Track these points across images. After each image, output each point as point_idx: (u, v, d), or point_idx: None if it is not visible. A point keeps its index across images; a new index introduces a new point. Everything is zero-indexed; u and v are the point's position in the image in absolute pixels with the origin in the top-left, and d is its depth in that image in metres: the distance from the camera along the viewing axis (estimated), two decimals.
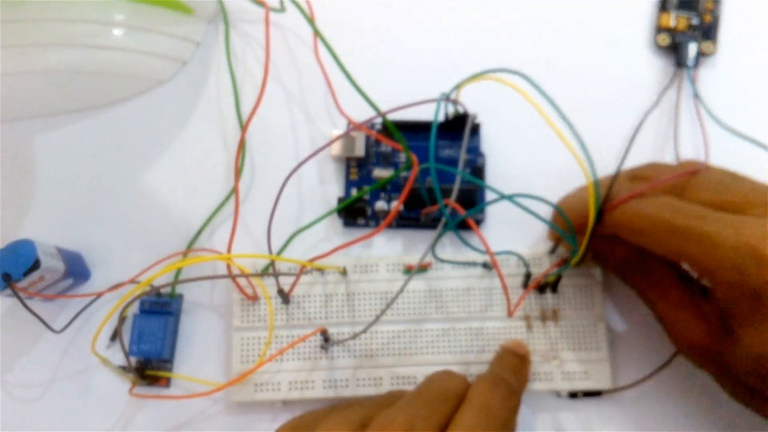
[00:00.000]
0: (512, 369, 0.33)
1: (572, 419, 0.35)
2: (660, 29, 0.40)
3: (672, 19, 0.40)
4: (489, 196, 0.37)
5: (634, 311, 0.36)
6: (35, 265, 0.32)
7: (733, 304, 0.27)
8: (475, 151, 0.38)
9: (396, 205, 0.35)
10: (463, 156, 0.35)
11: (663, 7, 0.40)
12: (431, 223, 0.37)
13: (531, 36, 0.35)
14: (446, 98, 0.34)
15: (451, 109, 0.37)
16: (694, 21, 0.40)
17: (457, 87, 0.34)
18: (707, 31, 0.40)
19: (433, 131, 0.29)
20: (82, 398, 0.36)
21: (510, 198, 0.28)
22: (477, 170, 0.37)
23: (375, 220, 0.37)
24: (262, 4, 0.38)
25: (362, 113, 0.36)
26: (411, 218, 0.37)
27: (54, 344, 0.37)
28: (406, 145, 0.34)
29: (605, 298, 0.36)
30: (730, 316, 0.28)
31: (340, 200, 0.37)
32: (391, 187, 0.38)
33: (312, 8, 0.37)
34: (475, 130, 0.38)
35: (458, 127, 0.37)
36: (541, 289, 0.35)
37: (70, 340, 0.37)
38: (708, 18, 0.39)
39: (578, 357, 0.35)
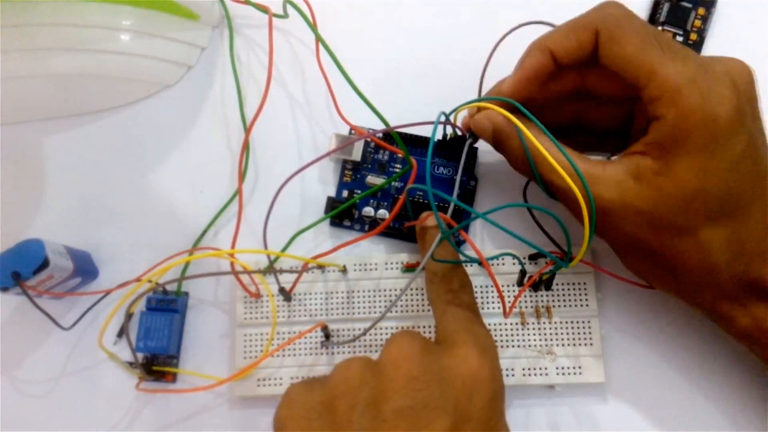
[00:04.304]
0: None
1: (567, 412, 0.36)
2: None
3: None
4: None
5: (627, 308, 0.37)
6: (44, 264, 0.33)
7: (685, 131, 0.28)
8: (468, 174, 0.38)
9: (389, 217, 0.35)
10: (458, 179, 0.36)
11: (652, 20, 0.40)
12: (412, 236, 0.38)
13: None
14: (444, 121, 0.35)
15: (450, 130, 0.37)
16: (680, 38, 0.40)
17: (455, 111, 0.35)
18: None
19: (429, 152, 0.30)
20: (89, 394, 0.37)
21: (484, 216, 0.29)
22: (467, 193, 0.38)
23: (360, 223, 0.38)
24: (265, 10, 0.38)
25: (362, 115, 0.37)
26: (394, 228, 0.38)
27: (62, 341, 0.38)
28: (406, 150, 0.35)
29: (598, 294, 0.36)
30: (672, 148, 0.28)
31: (329, 198, 0.38)
32: (380, 195, 0.38)
33: (314, 14, 0.38)
34: (472, 153, 0.38)
35: (455, 147, 0.38)
36: (535, 286, 0.36)
37: (79, 337, 0.38)
38: (694, 37, 0.40)
39: (572, 352, 0.35)
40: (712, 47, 0.40)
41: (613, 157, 0.36)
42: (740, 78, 0.29)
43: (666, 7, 0.40)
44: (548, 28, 0.33)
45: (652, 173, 0.29)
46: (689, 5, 0.40)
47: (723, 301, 0.31)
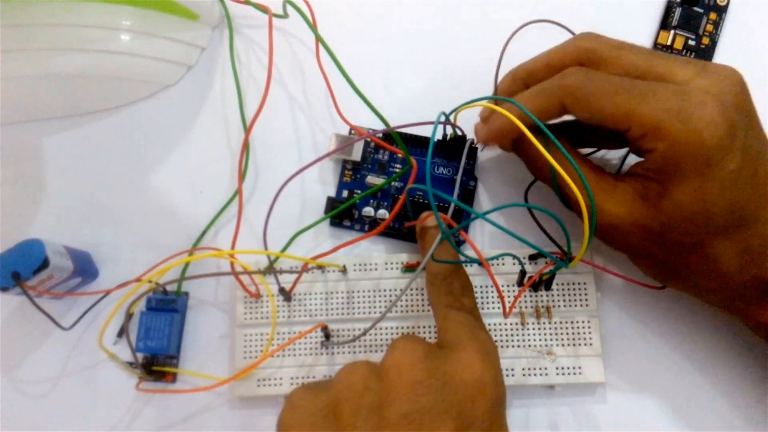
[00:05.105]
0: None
1: (567, 412, 0.36)
2: (656, 46, 0.40)
3: (670, 38, 0.40)
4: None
5: (627, 307, 0.37)
6: (44, 264, 0.33)
7: (676, 160, 0.28)
8: (468, 174, 0.38)
9: (389, 217, 0.35)
10: (458, 180, 0.36)
11: (664, 24, 0.40)
12: (412, 236, 0.38)
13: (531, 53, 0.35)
14: (444, 121, 0.35)
15: (450, 130, 0.37)
16: (692, 42, 0.40)
17: (455, 111, 0.35)
18: (702, 55, 0.40)
19: (429, 154, 0.30)
20: (90, 394, 0.37)
21: (483, 216, 0.29)
22: (467, 192, 0.38)
23: (360, 223, 0.38)
24: (265, 10, 0.38)
25: (362, 115, 0.37)
26: (394, 228, 0.38)
27: (63, 341, 0.38)
28: (406, 150, 0.35)
29: (598, 294, 0.36)
30: (668, 175, 0.29)
31: (329, 198, 0.38)
32: (380, 195, 0.38)
33: (314, 14, 0.38)
34: (472, 153, 0.38)
35: (455, 147, 0.38)
36: (535, 286, 0.36)
37: (79, 337, 0.38)
38: (706, 41, 0.40)
39: (572, 352, 0.35)
40: (723, 52, 0.40)
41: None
42: (727, 88, 0.29)
43: (678, 12, 0.40)
44: (552, 26, 0.33)
45: (656, 195, 0.30)
46: (701, 10, 0.40)
47: (738, 301, 0.31)
